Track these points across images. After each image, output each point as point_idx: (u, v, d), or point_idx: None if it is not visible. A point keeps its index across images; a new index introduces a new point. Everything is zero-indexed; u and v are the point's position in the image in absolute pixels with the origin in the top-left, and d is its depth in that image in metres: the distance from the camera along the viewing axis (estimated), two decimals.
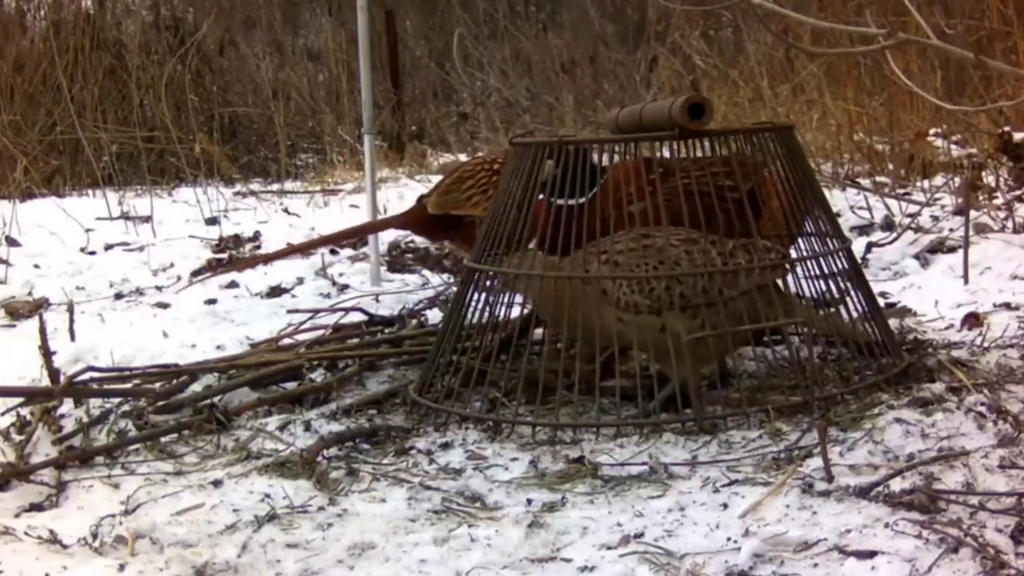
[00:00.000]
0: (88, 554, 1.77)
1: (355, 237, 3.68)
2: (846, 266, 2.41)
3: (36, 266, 4.16)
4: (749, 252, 2.23)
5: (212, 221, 4.98)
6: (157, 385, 2.57)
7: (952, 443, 1.94)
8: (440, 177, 3.44)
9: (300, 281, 3.75)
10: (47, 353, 2.41)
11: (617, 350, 2.35)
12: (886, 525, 1.65)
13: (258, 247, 4.41)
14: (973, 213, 3.55)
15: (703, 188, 2.31)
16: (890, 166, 4.73)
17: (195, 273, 3.98)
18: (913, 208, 3.94)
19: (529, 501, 1.87)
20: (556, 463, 2.04)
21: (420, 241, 4.34)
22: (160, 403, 2.47)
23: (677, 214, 2.26)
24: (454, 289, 3.01)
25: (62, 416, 2.42)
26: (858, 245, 3.51)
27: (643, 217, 2.27)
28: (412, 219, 3.17)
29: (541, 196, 2.36)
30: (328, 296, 3.52)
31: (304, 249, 3.65)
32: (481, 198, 3.00)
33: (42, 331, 2.40)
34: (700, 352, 2.20)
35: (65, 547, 1.79)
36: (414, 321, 2.95)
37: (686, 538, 1.69)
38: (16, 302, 3.66)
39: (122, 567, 1.71)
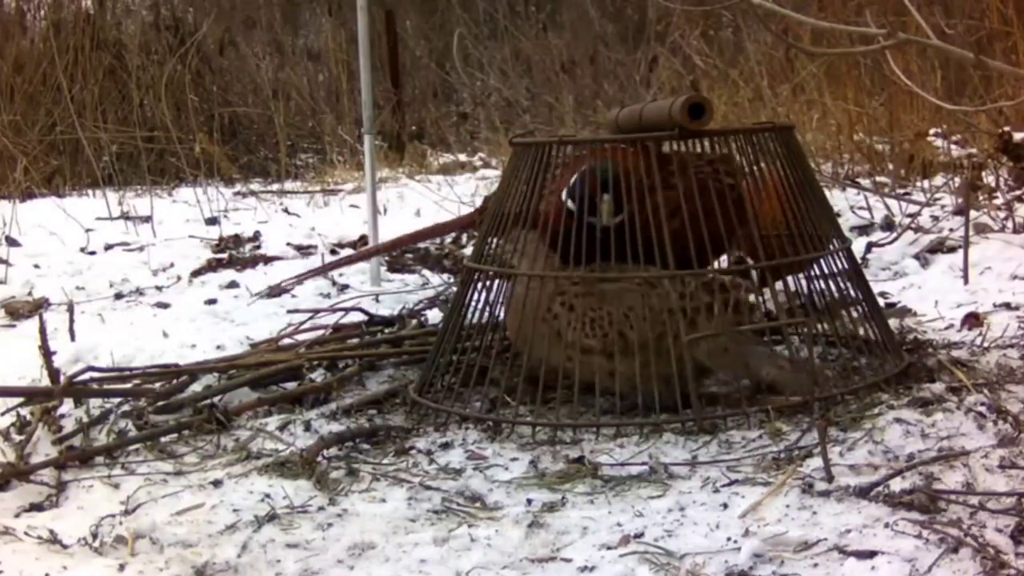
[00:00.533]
0: (88, 554, 1.77)
1: (429, 239, 3.71)
2: (846, 266, 2.41)
3: (36, 266, 4.16)
4: (712, 291, 2.20)
5: (212, 221, 4.98)
6: (157, 385, 2.57)
7: (952, 443, 1.94)
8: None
9: (300, 281, 3.74)
10: (47, 353, 2.41)
11: (561, 379, 2.28)
12: (886, 525, 1.64)
13: (258, 247, 4.41)
14: (973, 213, 3.55)
15: (714, 183, 2.31)
16: (890, 166, 4.73)
17: (196, 272, 3.98)
18: (913, 208, 3.94)
19: (529, 501, 1.87)
20: (556, 463, 2.04)
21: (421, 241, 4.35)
22: (160, 403, 2.47)
23: (687, 207, 2.24)
24: (454, 289, 3.01)
25: (62, 416, 2.42)
26: (858, 245, 3.51)
27: (668, 206, 2.24)
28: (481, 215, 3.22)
29: (569, 203, 2.33)
30: (328, 296, 3.52)
31: (384, 251, 3.66)
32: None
33: (42, 331, 2.40)
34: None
35: (65, 547, 1.79)
36: (414, 321, 2.95)
37: (686, 538, 1.69)
38: (16, 302, 3.66)
39: (122, 567, 1.71)
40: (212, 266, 4.09)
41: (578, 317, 2.23)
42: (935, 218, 3.82)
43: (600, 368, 2.23)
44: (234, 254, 4.29)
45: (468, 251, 3.97)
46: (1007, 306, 2.85)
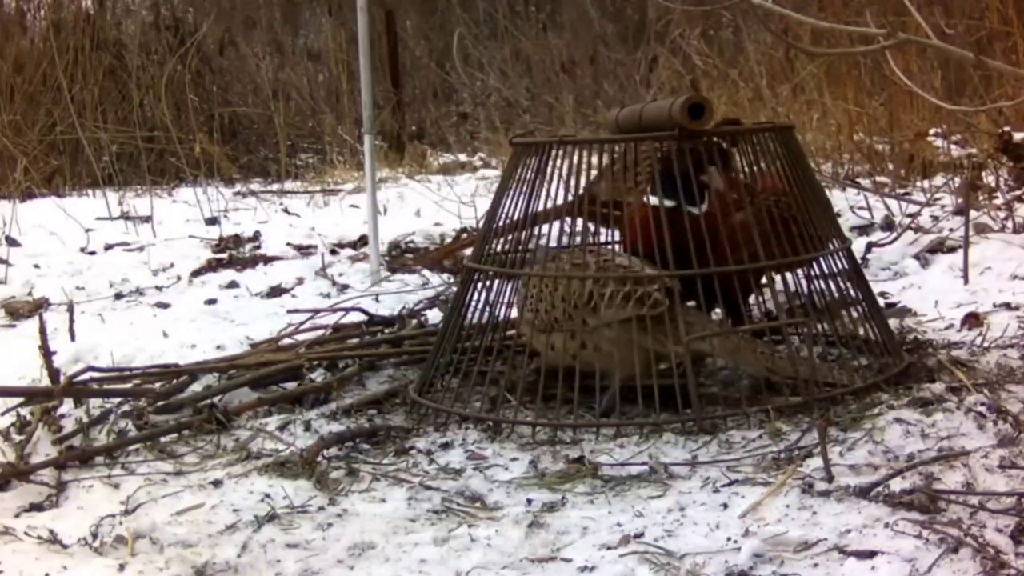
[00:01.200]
0: (88, 554, 1.77)
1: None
2: (846, 266, 2.41)
3: (36, 266, 4.16)
4: (624, 284, 2.22)
5: (212, 221, 4.98)
6: (157, 385, 2.57)
7: (952, 443, 1.94)
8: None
9: (300, 281, 3.75)
10: (47, 353, 2.41)
11: (544, 363, 2.33)
12: (886, 525, 1.65)
13: (258, 247, 4.41)
14: (973, 213, 3.54)
15: (781, 213, 2.32)
16: (890, 166, 4.73)
17: (196, 272, 3.97)
18: (913, 208, 3.94)
19: (529, 501, 1.87)
20: (556, 463, 2.04)
21: (420, 241, 4.35)
22: (160, 403, 2.47)
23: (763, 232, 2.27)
24: (454, 289, 3.01)
25: (62, 416, 2.42)
26: (858, 245, 3.50)
27: (744, 228, 2.26)
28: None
29: (663, 203, 2.31)
30: (328, 296, 3.52)
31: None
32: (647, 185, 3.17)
33: (42, 331, 2.40)
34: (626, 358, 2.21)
35: (65, 547, 1.79)
36: (414, 321, 2.95)
37: (686, 538, 1.69)
38: (16, 302, 3.66)
39: (122, 567, 1.71)
40: (212, 266, 4.09)
41: (529, 295, 2.31)
42: (935, 218, 3.82)
43: (543, 344, 2.29)
44: (234, 254, 4.29)
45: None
46: (1007, 306, 2.85)
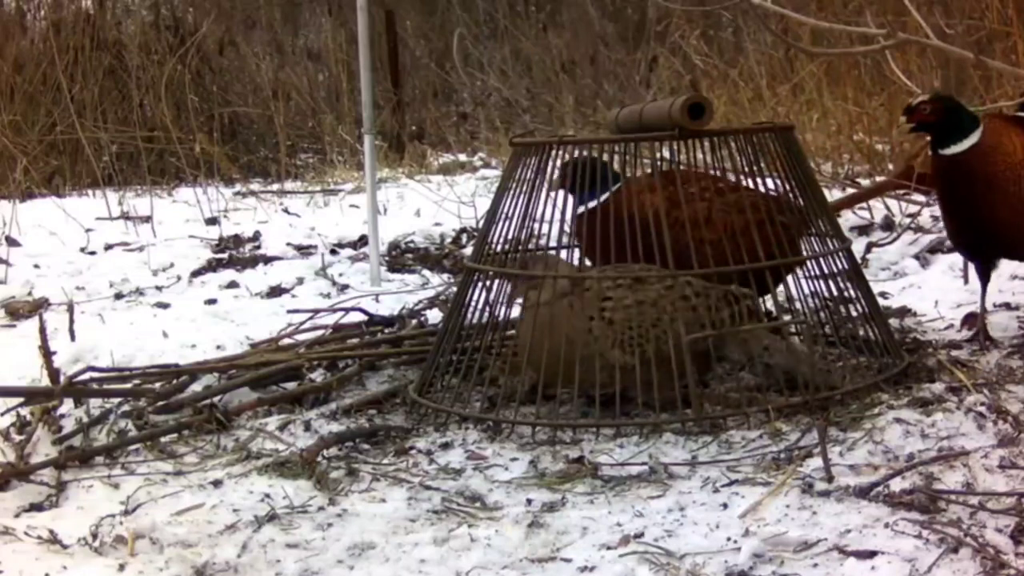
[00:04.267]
0: (88, 554, 1.77)
1: (864, 200, 4.07)
2: (846, 266, 2.41)
3: (36, 266, 4.16)
4: (731, 304, 2.23)
5: (212, 221, 4.98)
6: (157, 385, 2.57)
7: (952, 443, 1.94)
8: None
9: (300, 281, 3.75)
10: (47, 353, 2.41)
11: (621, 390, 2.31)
12: (886, 525, 1.65)
13: (258, 247, 4.41)
14: None
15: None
16: (890, 166, 4.72)
17: (196, 272, 3.97)
18: (913, 208, 3.94)
19: (529, 501, 1.87)
20: (556, 463, 2.04)
21: (420, 241, 4.35)
22: (160, 403, 2.47)
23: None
24: (454, 289, 3.01)
25: (62, 416, 2.41)
26: (858, 245, 3.51)
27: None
28: (904, 177, 3.79)
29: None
30: (328, 296, 3.52)
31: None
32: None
33: (42, 331, 2.40)
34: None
35: (65, 547, 1.79)
36: (414, 321, 2.95)
37: (686, 538, 1.69)
38: (16, 302, 3.66)
39: (122, 567, 1.71)
40: (212, 266, 4.09)
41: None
42: (935, 218, 3.82)
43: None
44: (234, 254, 4.29)
45: (468, 251, 3.97)
46: (1007, 306, 2.85)
